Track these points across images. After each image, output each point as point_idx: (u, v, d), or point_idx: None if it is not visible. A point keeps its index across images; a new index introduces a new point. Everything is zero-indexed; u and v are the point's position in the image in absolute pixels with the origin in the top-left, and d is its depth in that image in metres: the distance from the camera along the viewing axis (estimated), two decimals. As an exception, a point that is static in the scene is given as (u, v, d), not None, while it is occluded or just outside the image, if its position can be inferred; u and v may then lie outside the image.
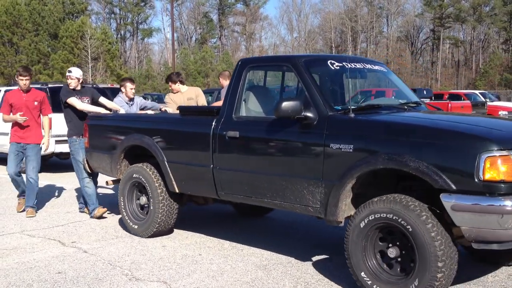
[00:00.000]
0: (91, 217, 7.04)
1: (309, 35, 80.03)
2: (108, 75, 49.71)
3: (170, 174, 5.67)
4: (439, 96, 25.77)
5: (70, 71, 7.19)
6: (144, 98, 14.52)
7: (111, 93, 11.52)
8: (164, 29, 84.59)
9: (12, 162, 7.30)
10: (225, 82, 8.05)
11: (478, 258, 4.98)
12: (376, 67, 5.57)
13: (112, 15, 78.95)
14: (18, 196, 7.65)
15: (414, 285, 3.84)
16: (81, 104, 6.99)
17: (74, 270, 4.89)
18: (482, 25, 71.71)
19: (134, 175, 6.08)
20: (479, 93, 26.79)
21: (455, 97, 24.79)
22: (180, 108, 6.01)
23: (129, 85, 7.59)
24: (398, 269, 4.06)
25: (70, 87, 7.07)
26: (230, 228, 6.45)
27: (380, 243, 4.14)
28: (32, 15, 51.64)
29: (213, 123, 5.25)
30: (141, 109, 7.81)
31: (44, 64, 51.07)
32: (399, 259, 4.05)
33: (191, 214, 7.31)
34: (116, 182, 6.64)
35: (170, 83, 8.21)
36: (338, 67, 5.02)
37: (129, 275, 4.76)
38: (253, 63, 5.43)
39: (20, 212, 7.39)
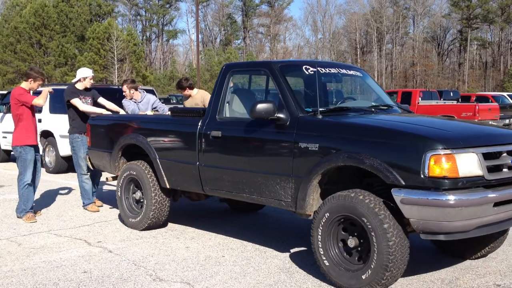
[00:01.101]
0: (84, 208, 7.53)
1: (333, 36, 79.72)
2: (133, 76, 50.23)
3: (162, 171, 6.11)
4: (466, 98, 25.45)
5: (91, 73, 7.67)
6: (169, 99, 14.67)
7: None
8: (188, 30, 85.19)
9: (31, 169, 7.04)
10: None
11: (448, 253, 5.35)
12: (351, 72, 5.97)
13: (138, 17, 79.83)
14: (31, 209, 7.13)
15: (367, 273, 4.17)
16: (82, 105, 7.40)
17: (99, 270, 4.96)
18: (510, 26, 70.53)
19: (130, 172, 6.53)
20: (507, 95, 26.31)
21: (482, 99, 24.43)
22: (170, 109, 6.48)
23: (124, 88, 7.99)
24: (356, 258, 4.40)
25: (81, 87, 7.51)
26: (253, 230, 6.46)
27: (343, 233, 4.47)
28: (60, 17, 52.47)
29: (199, 123, 5.66)
30: (153, 108, 8.10)
31: (71, 66, 51.82)
32: (359, 249, 4.38)
33: (213, 215, 7.35)
34: (115, 178, 7.04)
35: (181, 90, 8.45)
36: (312, 72, 5.33)
37: (153, 275, 4.81)
38: (235, 68, 5.88)
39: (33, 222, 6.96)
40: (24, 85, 7.05)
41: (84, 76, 7.56)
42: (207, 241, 5.98)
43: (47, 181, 10.25)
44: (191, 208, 7.86)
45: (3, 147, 13.12)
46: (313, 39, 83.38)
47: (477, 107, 19.00)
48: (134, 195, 6.62)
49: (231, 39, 79.40)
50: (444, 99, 22.23)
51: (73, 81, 7.63)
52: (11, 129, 12.20)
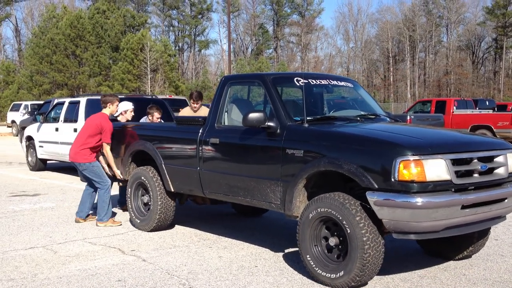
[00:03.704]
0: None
1: (365, 45, 79.17)
2: (166, 86, 50.78)
3: (167, 175, 6.54)
4: (502, 107, 24.92)
5: (131, 106, 8.09)
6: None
7: (170, 104, 11.80)
8: (220, 40, 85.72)
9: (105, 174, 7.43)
10: None
11: (433, 254, 5.66)
12: (342, 83, 6.35)
13: (171, 28, 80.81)
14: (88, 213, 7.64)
15: (343, 271, 4.51)
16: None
17: (134, 279, 4.99)
18: (548, 33, 68.92)
19: (138, 176, 6.96)
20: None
21: (519, 108, 23.90)
22: (175, 118, 6.91)
23: (156, 114, 8.27)
24: (335, 256, 4.74)
25: (123, 120, 7.90)
26: (286, 240, 6.42)
27: (326, 231, 4.81)
28: (95, 28, 53.44)
29: (200, 131, 6.07)
30: None
31: (105, 76, 52.70)
32: (340, 247, 4.69)
33: (246, 224, 7.34)
34: (125, 182, 7.40)
35: (197, 101, 8.53)
36: (303, 83, 5.62)
37: (186, 284, 4.81)
38: (232, 80, 6.25)
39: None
40: (107, 111, 7.37)
41: (125, 109, 7.95)
42: (239, 251, 5.97)
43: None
44: (222, 217, 7.86)
45: (39, 156, 13.38)
46: (345, 48, 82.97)
47: (513, 116, 18.57)
48: (143, 197, 7.05)
49: (262, 48, 79.63)
50: (479, 108, 21.81)
51: (115, 114, 7.85)
52: (48, 139, 12.63)
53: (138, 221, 7.00)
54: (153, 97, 13.68)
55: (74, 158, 7.29)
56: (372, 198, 4.34)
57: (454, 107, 20.40)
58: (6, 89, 52.16)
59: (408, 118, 16.77)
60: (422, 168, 4.21)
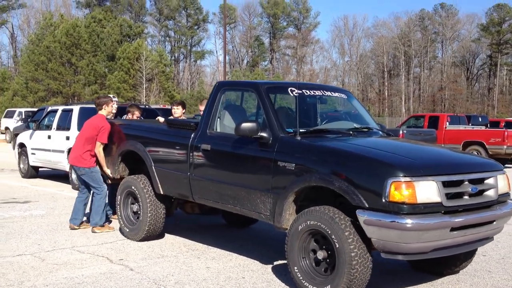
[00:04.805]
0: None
1: (361, 59, 79.63)
2: (161, 96, 50.79)
3: (156, 178, 6.48)
4: (495, 124, 25.03)
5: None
6: (195, 119, 14.89)
7: (163, 114, 11.81)
8: (216, 51, 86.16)
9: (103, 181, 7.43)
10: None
11: (420, 269, 5.64)
12: (336, 94, 6.31)
13: (167, 38, 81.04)
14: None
15: (330, 286, 4.48)
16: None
17: (120, 288, 4.98)
18: (542, 51, 69.50)
19: (128, 185, 6.89)
20: (538, 121, 25.82)
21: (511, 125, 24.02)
22: (167, 120, 6.98)
23: (136, 113, 8.58)
24: (323, 269, 4.71)
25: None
26: (275, 251, 6.41)
27: (315, 244, 4.77)
28: (91, 37, 53.48)
29: (192, 136, 6.01)
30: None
31: (100, 84, 52.68)
32: (328, 261, 4.66)
33: (235, 235, 7.33)
34: (114, 180, 7.33)
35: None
36: (297, 94, 5.56)
37: (173, 295, 4.80)
38: (226, 86, 6.25)
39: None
40: (104, 112, 7.40)
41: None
42: (227, 262, 5.97)
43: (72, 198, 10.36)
44: (213, 228, 7.86)
45: (31, 164, 13.35)
46: (340, 62, 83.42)
47: (506, 133, 18.67)
48: (132, 205, 6.97)
49: (258, 60, 79.92)
50: (472, 124, 21.93)
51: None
52: (40, 146, 12.60)
53: (128, 230, 6.97)
54: (147, 106, 13.72)
55: (74, 162, 7.30)
56: (362, 216, 4.31)
57: (447, 123, 20.48)
58: (1, 96, 52.00)
59: (401, 132, 16.83)
60: (413, 190, 4.18)
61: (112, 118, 7.90)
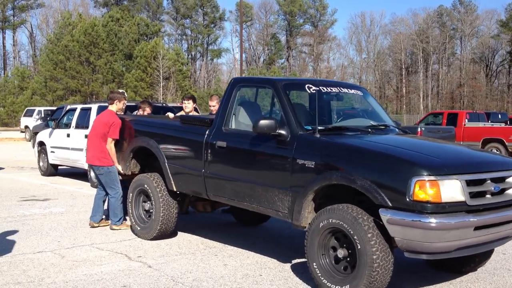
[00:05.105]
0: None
1: (378, 56, 79.09)
2: (178, 95, 51.03)
3: (170, 174, 6.41)
4: (514, 121, 24.72)
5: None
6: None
7: (179, 111, 11.86)
8: (233, 49, 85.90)
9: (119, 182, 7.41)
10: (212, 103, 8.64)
11: (439, 267, 5.61)
12: (352, 91, 6.25)
13: (184, 37, 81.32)
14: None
15: (349, 285, 4.45)
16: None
17: (139, 285, 5.02)
18: None
19: (140, 183, 6.87)
20: (558, 118, 25.44)
21: (531, 122, 23.71)
22: (181, 116, 6.97)
23: (147, 109, 8.52)
24: (342, 267, 4.68)
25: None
26: (292, 249, 6.42)
27: (335, 241, 4.74)
28: (109, 36, 53.93)
29: (207, 133, 5.96)
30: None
31: (118, 83, 53.09)
32: (348, 259, 4.62)
33: (251, 232, 7.35)
34: (125, 176, 7.30)
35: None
36: (314, 91, 5.59)
37: (191, 292, 4.83)
38: (242, 82, 6.20)
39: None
40: (114, 108, 7.45)
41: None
42: (245, 259, 5.99)
43: (91, 195, 10.46)
44: (230, 226, 7.89)
45: (51, 162, 13.50)
46: (357, 59, 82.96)
47: (525, 130, 18.45)
48: (144, 203, 6.93)
49: (274, 58, 79.85)
50: (491, 121, 21.69)
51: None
52: (59, 144, 12.74)
53: (139, 228, 6.92)
54: (163, 104, 13.79)
55: (91, 160, 7.35)
56: (385, 215, 4.27)
57: (466, 120, 20.28)
58: (20, 95, 52.71)
59: (419, 130, 16.70)
60: (438, 189, 4.15)
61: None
